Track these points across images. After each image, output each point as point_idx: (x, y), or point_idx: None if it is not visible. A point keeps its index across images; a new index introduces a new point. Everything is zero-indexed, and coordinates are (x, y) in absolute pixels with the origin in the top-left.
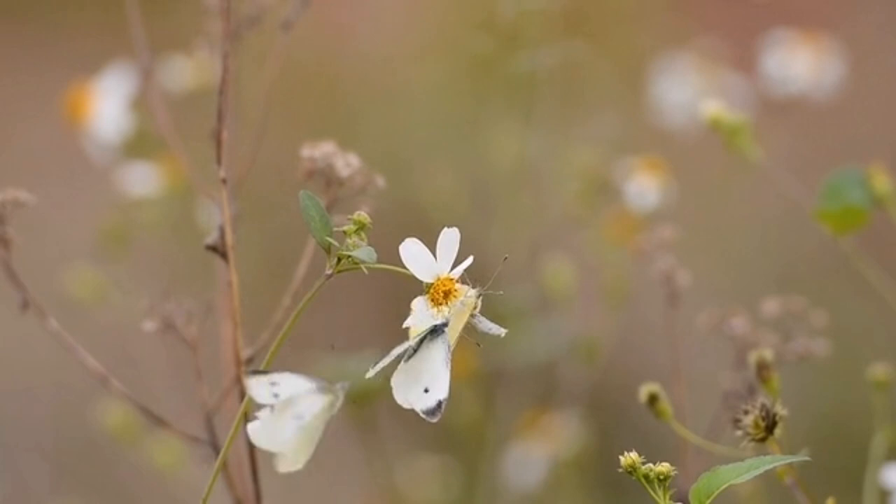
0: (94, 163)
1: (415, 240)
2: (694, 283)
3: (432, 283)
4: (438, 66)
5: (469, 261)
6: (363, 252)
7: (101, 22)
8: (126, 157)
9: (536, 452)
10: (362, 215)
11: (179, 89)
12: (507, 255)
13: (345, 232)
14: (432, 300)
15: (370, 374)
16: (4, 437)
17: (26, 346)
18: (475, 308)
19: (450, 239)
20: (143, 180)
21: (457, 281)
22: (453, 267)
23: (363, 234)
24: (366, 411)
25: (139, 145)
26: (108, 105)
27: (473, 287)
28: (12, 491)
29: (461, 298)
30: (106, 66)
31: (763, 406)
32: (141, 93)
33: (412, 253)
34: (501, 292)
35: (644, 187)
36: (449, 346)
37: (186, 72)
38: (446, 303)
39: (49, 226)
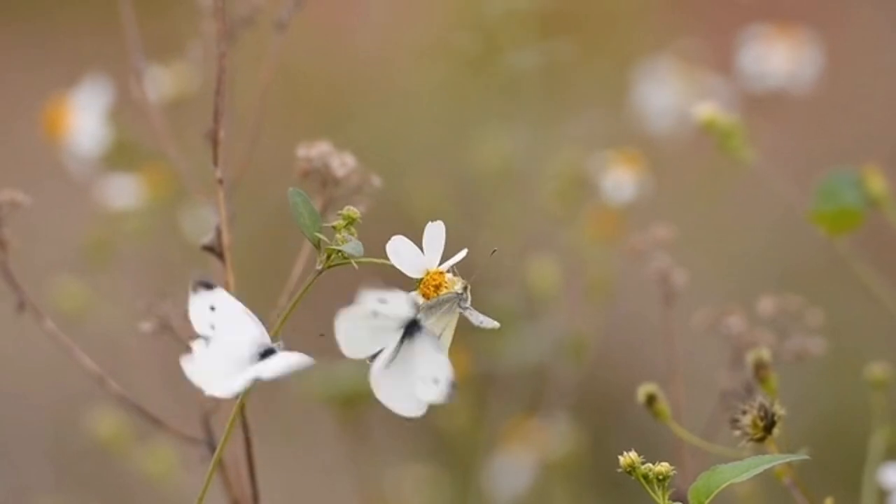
0: (75, 176)
1: (401, 237)
2: (689, 282)
3: (422, 279)
4: (431, 67)
5: (462, 254)
6: (350, 246)
7: (98, 22)
8: (108, 168)
9: (528, 456)
10: (352, 210)
11: (166, 94)
12: (495, 251)
13: (334, 227)
14: (423, 295)
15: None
16: (4, 437)
17: (26, 348)
18: (466, 300)
19: (435, 233)
20: (125, 191)
21: (447, 273)
22: (446, 262)
23: (352, 229)
24: (357, 415)
25: (121, 155)
26: (85, 119)
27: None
28: (12, 491)
29: (451, 290)
30: (90, 73)
31: (761, 405)
32: (132, 95)
33: (398, 250)
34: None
35: (620, 180)
36: (434, 335)
37: (172, 76)
38: (437, 296)
39: (41, 227)
